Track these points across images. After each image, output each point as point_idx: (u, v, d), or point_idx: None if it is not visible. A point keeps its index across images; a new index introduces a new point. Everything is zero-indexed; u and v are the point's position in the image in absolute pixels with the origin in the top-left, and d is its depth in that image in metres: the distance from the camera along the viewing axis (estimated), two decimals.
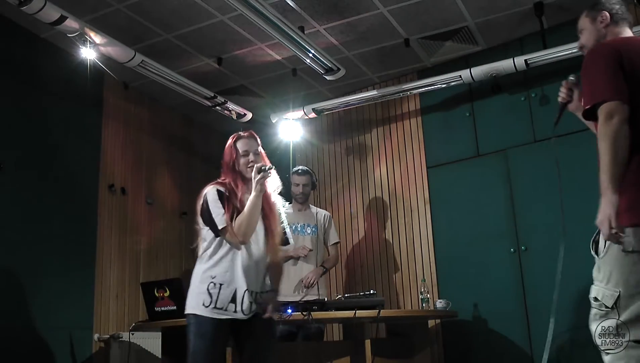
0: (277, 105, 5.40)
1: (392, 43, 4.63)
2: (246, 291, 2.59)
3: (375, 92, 4.93)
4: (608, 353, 1.98)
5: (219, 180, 2.72)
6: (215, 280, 2.58)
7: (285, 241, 2.88)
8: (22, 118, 4.11)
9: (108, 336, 4.36)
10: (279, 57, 4.75)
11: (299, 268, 4.19)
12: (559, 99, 2.41)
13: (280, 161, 4.97)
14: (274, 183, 2.76)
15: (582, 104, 2.14)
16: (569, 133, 4.37)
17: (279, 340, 3.90)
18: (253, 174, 2.60)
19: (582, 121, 2.27)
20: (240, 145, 2.74)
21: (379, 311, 3.38)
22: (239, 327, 2.64)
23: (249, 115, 5.21)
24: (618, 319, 1.91)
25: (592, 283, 2.02)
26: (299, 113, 5.16)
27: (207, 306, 2.55)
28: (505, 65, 4.34)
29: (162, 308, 3.54)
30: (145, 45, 4.41)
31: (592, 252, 2.09)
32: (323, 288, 4.26)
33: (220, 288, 2.57)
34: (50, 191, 4.22)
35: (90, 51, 3.84)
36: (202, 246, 2.68)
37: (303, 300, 3.76)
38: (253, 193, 2.59)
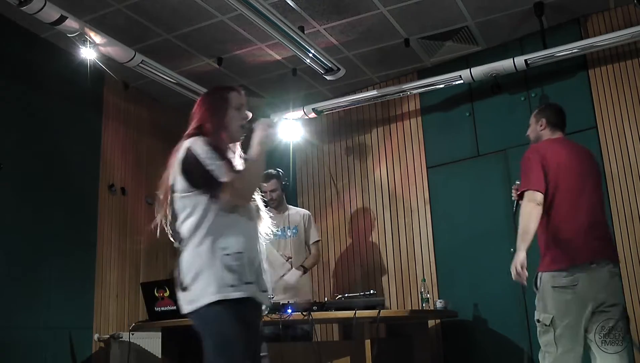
0: (277, 105, 5.40)
1: (392, 43, 4.63)
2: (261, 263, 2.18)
3: (375, 92, 4.93)
4: (547, 357, 2.75)
5: (201, 133, 2.17)
6: (229, 250, 2.04)
7: None
8: (22, 118, 4.11)
9: (108, 336, 4.36)
10: (279, 57, 4.75)
11: (286, 270, 4.14)
12: (512, 197, 3.14)
13: (281, 161, 4.98)
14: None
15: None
16: (568, 133, 4.38)
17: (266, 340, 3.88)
18: (260, 127, 2.21)
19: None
20: (234, 98, 2.27)
21: (379, 311, 3.38)
22: None
23: (249, 115, 5.19)
24: (554, 334, 2.72)
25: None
26: (299, 113, 5.16)
27: (234, 285, 2.00)
28: (505, 65, 4.34)
29: (162, 308, 3.55)
30: (145, 45, 4.41)
31: (534, 288, 2.87)
32: (307, 287, 4.21)
33: (242, 259, 2.05)
34: (50, 191, 4.22)
35: (90, 51, 3.84)
36: (186, 224, 2.08)
37: (280, 302, 3.69)
38: (258, 148, 2.16)
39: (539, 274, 2.82)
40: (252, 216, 2.21)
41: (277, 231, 4.21)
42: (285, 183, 4.30)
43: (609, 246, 2.88)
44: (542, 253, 2.85)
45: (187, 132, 2.22)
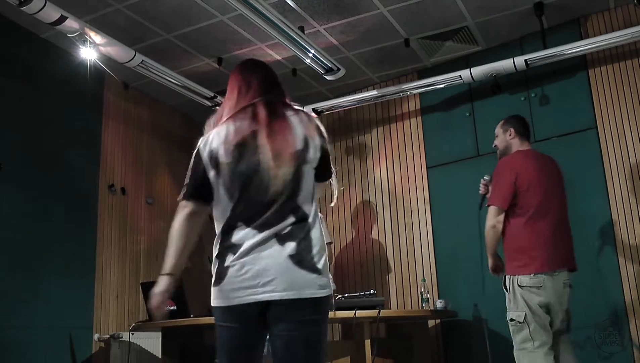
0: None
1: (392, 43, 4.63)
2: None
3: (375, 92, 4.93)
4: (524, 354, 3.01)
5: None
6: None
7: None
8: (22, 118, 4.11)
9: (108, 336, 4.36)
10: (279, 57, 4.75)
11: None
12: (481, 191, 3.48)
13: None
14: None
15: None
16: (568, 133, 4.38)
17: None
18: None
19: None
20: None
21: (379, 311, 3.38)
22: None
23: None
24: (529, 329, 3.01)
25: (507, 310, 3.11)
26: None
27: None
28: (505, 65, 4.34)
29: None
30: (145, 45, 4.41)
31: (503, 289, 3.16)
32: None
33: None
34: (50, 191, 4.21)
35: (91, 50, 3.84)
36: (311, 200, 1.97)
37: None
38: None
39: (508, 277, 3.13)
40: None
41: None
42: None
43: (571, 258, 3.18)
44: (509, 258, 3.16)
45: (285, 97, 2.06)
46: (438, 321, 4.62)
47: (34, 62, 4.23)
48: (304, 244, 1.85)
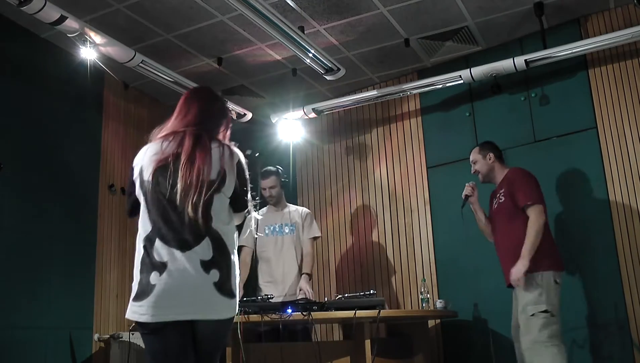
0: (277, 105, 5.40)
1: (392, 43, 4.63)
2: None
3: (375, 92, 4.93)
4: (547, 348, 3.16)
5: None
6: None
7: None
8: (22, 118, 4.11)
9: (108, 336, 4.36)
10: (279, 57, 4.75)
11: (281, 267, 4.18)
12: (465, 192, 3.75)
13: (281, 161, 4.98)
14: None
15: (518, 199, 3.45)
16: (568, 133, 4.38)
17: (266, 340, 3.91)
18: None
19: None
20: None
21: (379, 311, 3.38)
22: None
23: (249, 115, 5.21)
24: (558, 325, 3.23)
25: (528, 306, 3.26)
26: (299, 113, 5.15)
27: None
28: (505, 65, 4.34)
29: None
30: (145, 45, 4.41)
31: (517, 286, 3.33)
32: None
33: None
34: (50, 191, 4.22)
35: (90, 50, 3.84)
36: (229, 227, 2.16)
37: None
38: None
39: (539, 273, 3.28)
40: None
41: (275, 227, 4.23)
42: (284, 180, 4.33)
43: None
44: (542, 254, 3.31)
45: (217, 131, 2.26)
46: (438, 321, 4.62)
47: (34, 62, 4.23)
48: (226, 270, 2.06)
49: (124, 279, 4.69)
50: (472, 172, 3.77)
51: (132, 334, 4.23)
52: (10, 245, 3.86)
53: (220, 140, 2.22)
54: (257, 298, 3.58)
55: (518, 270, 3.25)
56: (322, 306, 3.42)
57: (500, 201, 3.58)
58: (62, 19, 3.58)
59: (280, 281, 4.15)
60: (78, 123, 4.56)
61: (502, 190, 3.58)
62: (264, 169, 4.27)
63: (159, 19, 4.16)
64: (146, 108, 5.23)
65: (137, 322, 2.07)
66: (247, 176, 2.22)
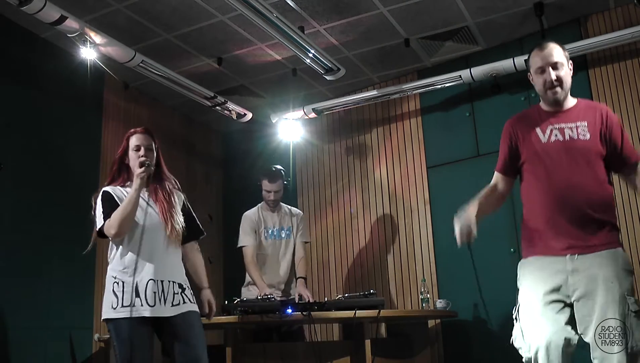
0: (277, 105, 5.40)
1: (392, 43, 4.63)
2: (150, 281, 2.57)
3: (375, 92, 4.93)
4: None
5: (109, 179, 2.84)
6: (117, 278, 2.62)
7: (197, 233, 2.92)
8: (22, 118, 4.11)
9: (108, 336, 4.36)
10: (279, 57, 4.75)
11: (278, 270, 4.15)
12: (464, 241, 2.89)
13: (281, 161, 4.97)
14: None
15: (632, 152, 2.59)
16: None
17: (257, 340, 3.91)
18: (135, 168, 2.65)
19: None
20: (133, 140, 2.76)
21: (379, 311, 3.38)
22: (161, 326, 2.62)
23: (249, 115, 5.21)
24: None
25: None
26: (299, 113, 5.16)
27: (114, 308, 2.57)
28: (505, 65, 4.34)
29: None
30: (145, 45, 4.41)
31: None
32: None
33: (123, 286, 2.58)
34: (50, 191, 4.21)
35: (90, 50, 3.83)
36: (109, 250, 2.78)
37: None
38: (132, 187, 2.62)
39: (623, 253, 2.48)
40: (148, 239, 2.70)
41: (273, 231, 4.19)
42: (286, 183, 4.24)
43: None
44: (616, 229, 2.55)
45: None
46: (438, 321, 4.62)
47: (34, 62, 4.23)
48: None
49: None
50: (547, 79, 2.76)
51: None
52: (11, 245, 3.85)
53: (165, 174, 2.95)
54: (257, 298, 3.57)
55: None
56: (322, 306, 3.42)
57: (583, 136, 2.60)
58: (62, 19, 3.58)
59: (277, 284, 4.13)
60: (78, 123, 4.56)
61: (585, 123, 2.62)
62: (271, 171, 4.15)
63: (159, 19, 4.16)
64: (146, 108, 5.23)
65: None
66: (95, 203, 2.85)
